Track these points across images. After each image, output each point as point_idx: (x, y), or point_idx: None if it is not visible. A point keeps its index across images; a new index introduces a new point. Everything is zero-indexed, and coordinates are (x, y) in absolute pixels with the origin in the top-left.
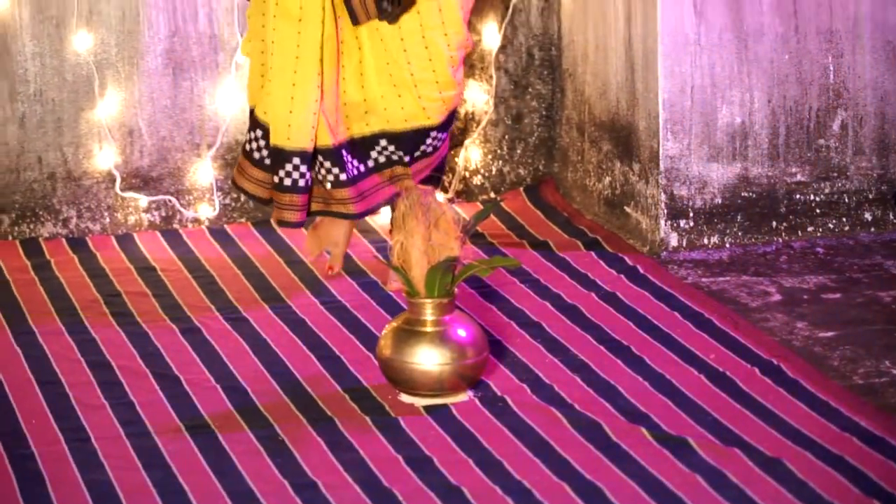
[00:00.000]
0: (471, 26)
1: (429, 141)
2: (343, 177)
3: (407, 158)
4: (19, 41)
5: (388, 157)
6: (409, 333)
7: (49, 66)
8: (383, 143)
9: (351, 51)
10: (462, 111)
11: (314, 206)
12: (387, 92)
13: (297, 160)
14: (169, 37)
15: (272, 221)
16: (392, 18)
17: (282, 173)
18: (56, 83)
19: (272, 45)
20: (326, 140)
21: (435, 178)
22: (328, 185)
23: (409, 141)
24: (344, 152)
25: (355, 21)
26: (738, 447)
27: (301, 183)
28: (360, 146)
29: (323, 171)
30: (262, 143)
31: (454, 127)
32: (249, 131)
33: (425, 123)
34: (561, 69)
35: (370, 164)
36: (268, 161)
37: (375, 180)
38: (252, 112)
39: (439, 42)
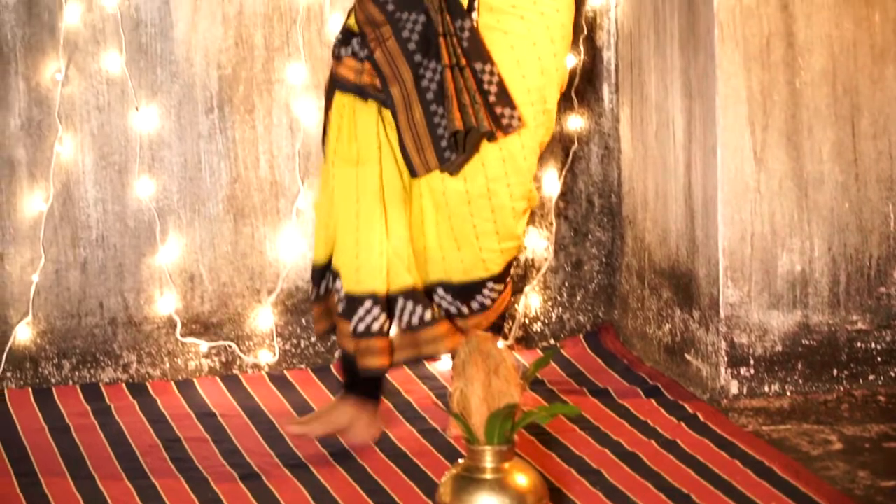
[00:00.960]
0: None
1: (486, 292)
2: (428, 315)
3: (465, 310)
4: (82, 187)
5: (445, 309)
6: (469, 481)
7: (111, 212)
8: (441, 291)
9: (413, 198)
10: (522, 258)
11: (403, 354)
12: (446, 244)
13: (368, 303)
14: (230, 183)
15: (359, 368)
16: (454, 169)
17: (355, 319)
18: (118, 229)
19: (334, 193)
20: (406, 281)
21: (496, 326)
22: (415, 325)
23: (465, 292)
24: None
25: (413, 173)
26: None
27: (375, 327)
28: (422, 296)
29: (406, 314)
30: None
31: (514, 274)
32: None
33: (483, 275)
34: (621, 216)
35: (427, 316)
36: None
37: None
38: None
39: (502, 193)
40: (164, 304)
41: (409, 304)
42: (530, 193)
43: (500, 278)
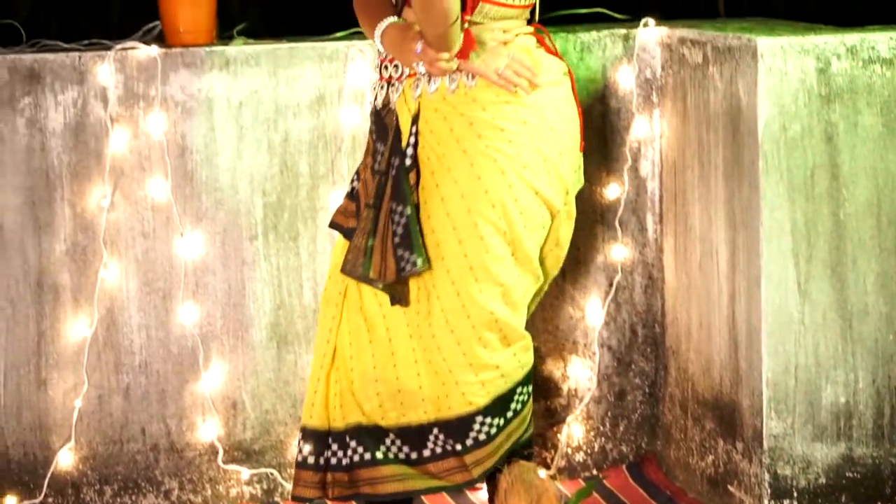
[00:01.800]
0: (574, 303)
1: (477, 427)
2: (414, 455)
3: (459, 447)
4: (126, 313)
5: (442, 448)
6: None
7: (154, 338)
8: (435, 431)
9: (400, 338)
10: (565, 387)
11: (341, 491)
12: (426, 380)
13: (300, 435)
14: (274, 310)
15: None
16: (396, 297)
17: (296, 447)
18: (161, 355)
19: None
20: (357, 418)
21: (527, 455)
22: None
23: (456, 429)
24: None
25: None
26: None
27: (311, 460)
28: (417, 434)
29: (350, 452)
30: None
31: (556, 403)
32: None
33: (468, 409)
34: (664, 346)
35: (426, 453)
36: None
37: (429, 470)
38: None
39: (462, 324)
40: (207, 430)
41: (353, 443)
42: (497, 324)
43: (490, 412)
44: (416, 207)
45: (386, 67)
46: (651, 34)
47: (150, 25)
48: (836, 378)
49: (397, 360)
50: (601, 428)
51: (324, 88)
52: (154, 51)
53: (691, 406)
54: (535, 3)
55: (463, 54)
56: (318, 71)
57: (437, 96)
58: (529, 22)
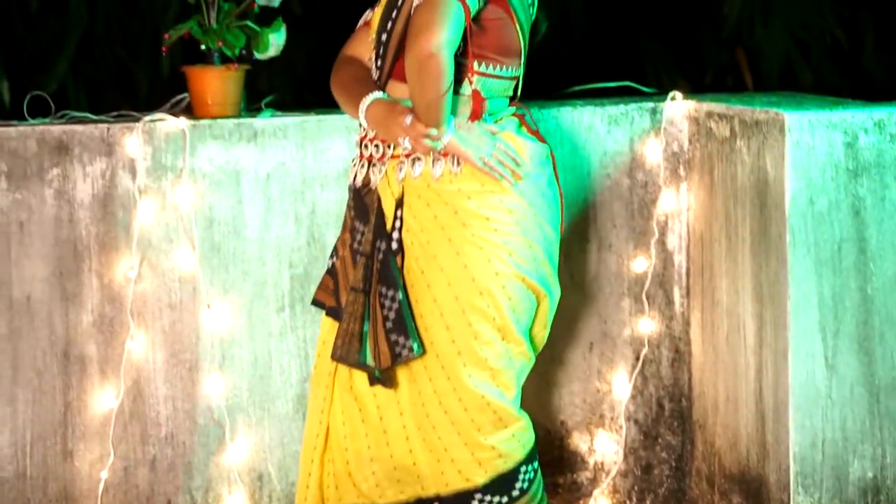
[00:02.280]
0: (601, 376)
1: None
2: None
3: None
4: (152, 384)
5: None
6: None
7: (181, 410)
8: None
9: (392, 416)
10: (591, 461)
11: None
12: (421, 457)
13: None
14: (300, 382)
15: None
16: (381, 379)
17: None
18: (187, 426)
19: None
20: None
21: None
22: None
23: None
24: None
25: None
26: None
27: None
28: None
29: None
30: None
31: (583, 477)
32: None
33: (466, 486)
34: (691, 420)
35: None
36: None
37: None
38: None
39: (455, 406)
40: (233, 502)
41: None
42: (489, 407)
43: (491, 489)
44: (406, 291)
45: (367, 146)
46: (678, 107)
47: (179, 98)
48: (864, 452)
49: (390, 438)
50: (628, 502)
51: (351, 160)
52: (182, 123)
53: (718, 480)
54: (519, 77)
55: (476, 115)
56: (345, 143)
57: (420, 181)
58: (512, 99)
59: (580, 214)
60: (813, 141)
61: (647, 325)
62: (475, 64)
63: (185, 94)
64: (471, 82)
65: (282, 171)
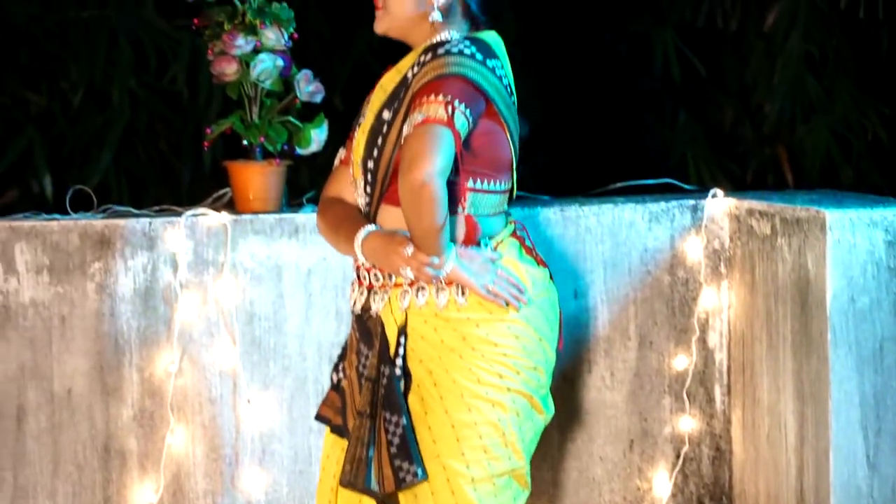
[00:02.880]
0: (641, 474)
1: None
2: None
3: None
4: (192, 479)
5: None
6: None
7: None
8: None
9: None
10: None
11: None
12: None
13: None
14: None
15: None
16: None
17: None
18: None
19: None
20: None
21: None
22: None
23: None
24: None
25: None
26: None
27: None
28: None
29: None
30: None
31: None
32: None
33: None
34: None
35: None
36: None
37: None
38: None
39: None
40: None
41: None
42: None
43: None
44: (410, 416)
45: (365, 275)
46: (719, 205)
47: (220, 192)
48: None
49: None
50: None
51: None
52: (224, 218)
53: None
54: (512, 188)
55: (469, 239)
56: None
57: (426, 309)
58: (507, 214)
59: (621, 311)
60: (854, 239)
61: (688, 423)
62: (469, 182)
63: (227, 189)
64: (463, 207)
65: (323, 266)
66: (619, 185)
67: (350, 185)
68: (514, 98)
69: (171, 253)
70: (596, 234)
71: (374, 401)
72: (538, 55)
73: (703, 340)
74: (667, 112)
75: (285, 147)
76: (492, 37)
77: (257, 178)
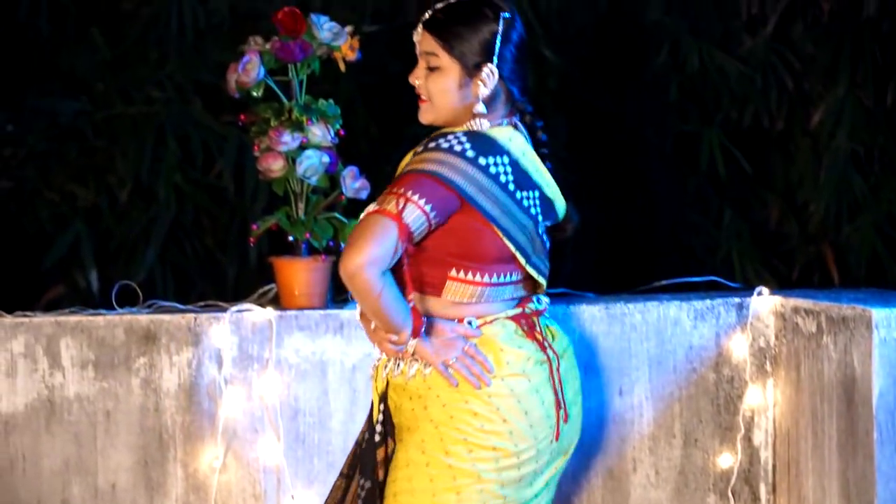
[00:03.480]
0: None
1: None
2: None
3: None
4: None
5: None
6: None
7: None
8: None
9: None
10: None
11: None
12: None
13: None
14: None
15: None
16: None
17: None
18: None
19: None
20: None
21: None
22: None
23: None
24: None
25: None
26: None
27: None
28: None
29: None
30: None
31: None
32: None
33: None
34: None
35: None
36: None
37: None
38: None
39: None
40: None
41: None
42: None
43: None
44: (381, 483)
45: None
46: (765, 303)
47: (266, 288)
48: None
49: None
50: None
51: None
52: (269, 313)
53: None
54: (509, 283)
55: (416, 332)
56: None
57: (400, 378)
58: (522, 299)
59: (666, 409)
60: None
61: None
62: (451, 271)
63: (272, 285)
64: (439, 293)
65: (367, 362)
66: (664, 282)
67: None
68: (536, 192)
69: (216, 348)
70: (641, 331)
71: (353, 463)
72: (586, 153)
73: (748, 438)
74: (712, 210)
75: (331, 243)
76: (504, 132)
77: (302, 273)
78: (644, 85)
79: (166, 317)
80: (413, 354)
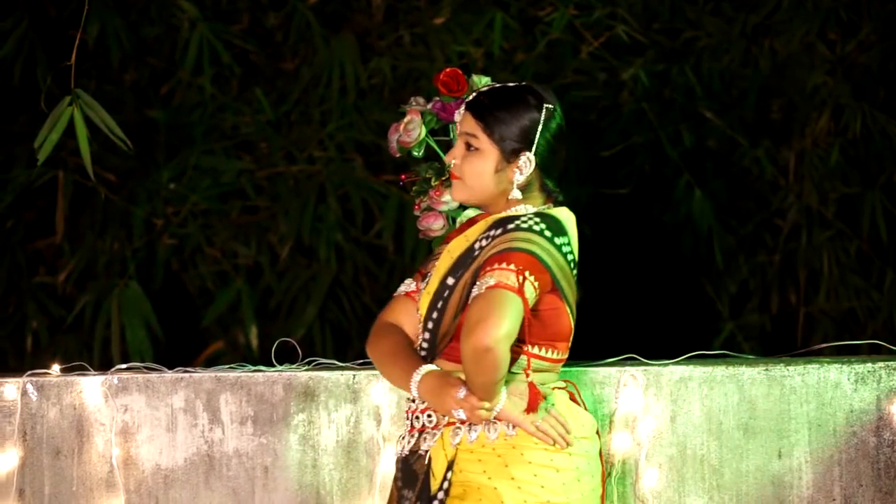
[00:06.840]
0: None
1: None
2: None
3: None
4: None
5: None
6: None
7: None
8: None
9: None
10: None
11: None
12: None
13: None
14: None
15: None
16: None
17: None
18: None
19: None
20: None
21: None
22: None
23: None
24: None
25: None
26: None
27: None
28: None
29: None
30: None
31: None
32: None
33: None
34: None
35: None
36: None
37: None
38: None
39: None
40: None
41: None
42: None
43: None
44: None
45: (418, 418)
46: None
47: None
48: None
49: None
50: None
51: (593, 412)
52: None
53: None
54: (565, 359)
55: (532, 407)
56: (590, 396)
57: (476, 444)
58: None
59: (825, 472)
60: None
61: None
62: (529, 347)
63: None
64: (527, 374)
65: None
66: (824, 345)
67: (409, 316)
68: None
69: (375, 406)
70: (801, 393)
71: None
72: (742, 217)
73: None
74: (873, 272)
75: None
76: (563, 213)
77: None
78: (804, 148)
79: (325, 374)
80: (496, 419)
